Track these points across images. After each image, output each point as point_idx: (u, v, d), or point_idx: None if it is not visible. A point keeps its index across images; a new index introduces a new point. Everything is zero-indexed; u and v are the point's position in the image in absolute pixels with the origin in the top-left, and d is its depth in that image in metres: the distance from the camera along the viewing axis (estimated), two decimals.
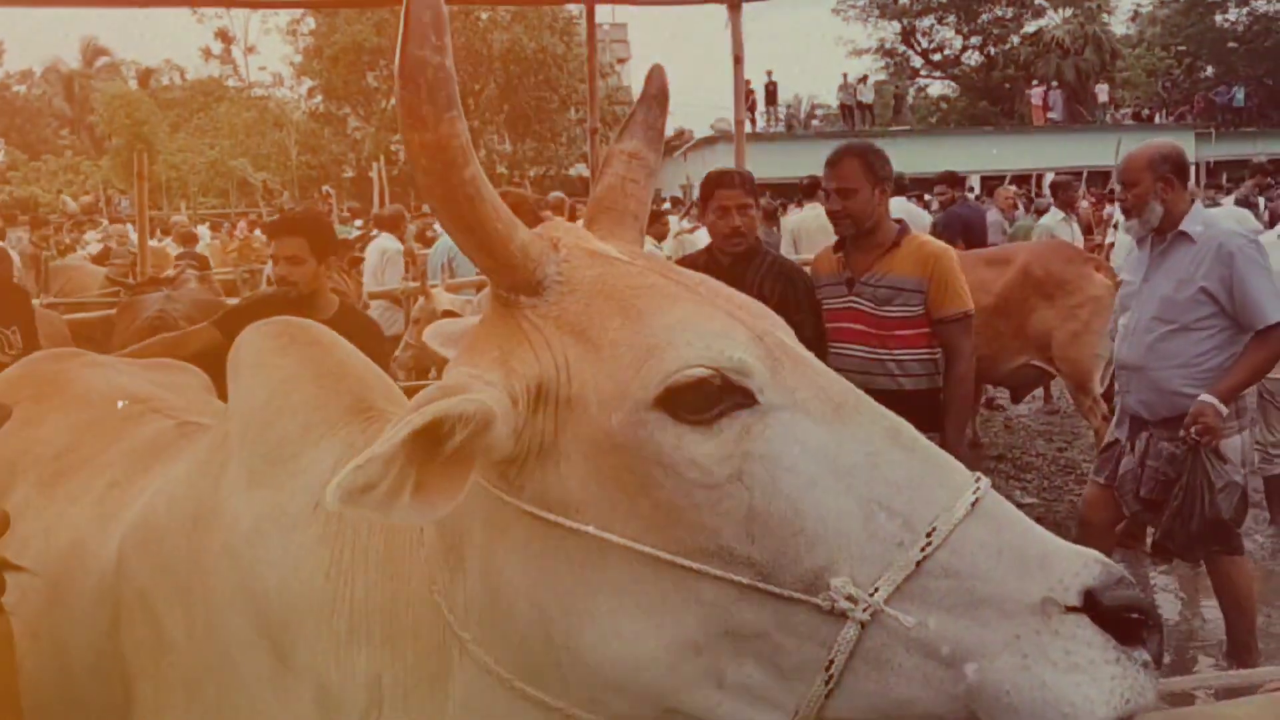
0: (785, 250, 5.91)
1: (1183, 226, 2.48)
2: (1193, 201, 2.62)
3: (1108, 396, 3.56)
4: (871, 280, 2.33)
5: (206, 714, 0.91)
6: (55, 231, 9.08)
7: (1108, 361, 3.40)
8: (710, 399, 0.68)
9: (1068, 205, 6.18)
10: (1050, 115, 22.50)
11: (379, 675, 0.83)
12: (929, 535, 0.65)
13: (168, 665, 0.94)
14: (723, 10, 3.86)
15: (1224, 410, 2.38)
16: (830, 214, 2.39)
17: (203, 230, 10.61)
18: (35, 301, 4.07)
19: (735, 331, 0.71)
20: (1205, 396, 2.38)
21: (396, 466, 0.64)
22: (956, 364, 2.34)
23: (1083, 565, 0.64)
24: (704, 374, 0.68)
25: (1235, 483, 2.40)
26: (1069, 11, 25.31)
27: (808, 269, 5.00)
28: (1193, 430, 2.37)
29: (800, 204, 6.61)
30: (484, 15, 21.43)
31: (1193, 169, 15.09)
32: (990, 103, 25.88)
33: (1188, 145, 17.20)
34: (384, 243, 5.55)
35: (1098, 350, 3.80)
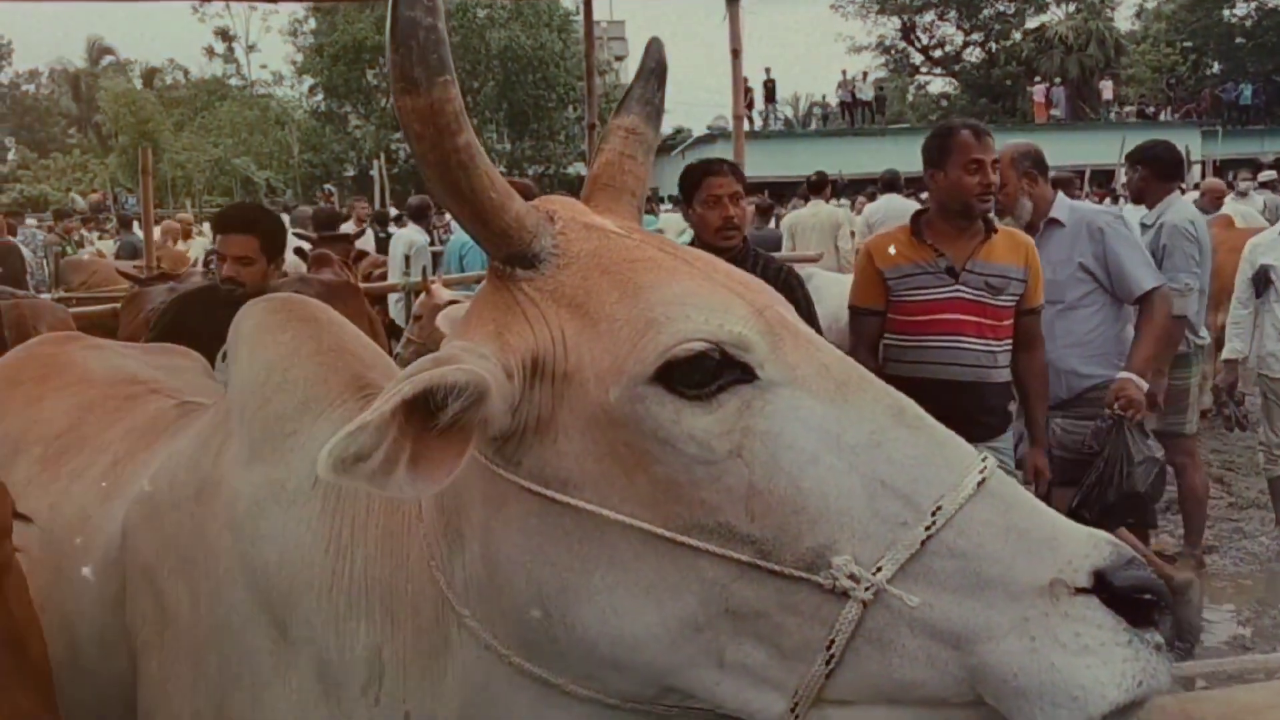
0: (784, 246, 5.92)
1: (1052, 214, 2.63)
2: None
3: None
4: (977, 268, 2.18)
5: (210, 686, 0.92)
6: (79, 226, 9.24)
7: None
8: (709, 373, 0.67)
9: None
10: (1053, 112, 22.39)
11: (378, 649, 0.84)
12: (934, 515, 0.64)
13: (172, 638, 0.95)
14: (721, 7, 3.85)
15: (1143, 385, 2.49)
16: (982, 187, 2.18)
17: (207, 228, 10.69)
18: (46, 295, 4.10)
19: (735, 305, 0.70)
20: (1123, 373, 2.50)
21: (389, 437, 0.63)
22: (1039, 351, 2.33)
23: (1092, 546, 0.63)
24: (703, 348, 0.67)
25: (1154, 458, 2.46)
26: (1072, 7, 25.20)
27: (809, 267, 4.98)
28: (1116, 406, 2.45)
29: (806, 199, 6.59)
30: (481, 13, 21.43)
31: (1198, 167, 14.98)
32: (991, 100, 25.75)
33: (1194, 143, 17.10)
34: (410, 234, 5.45)
35: None
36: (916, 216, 2.34)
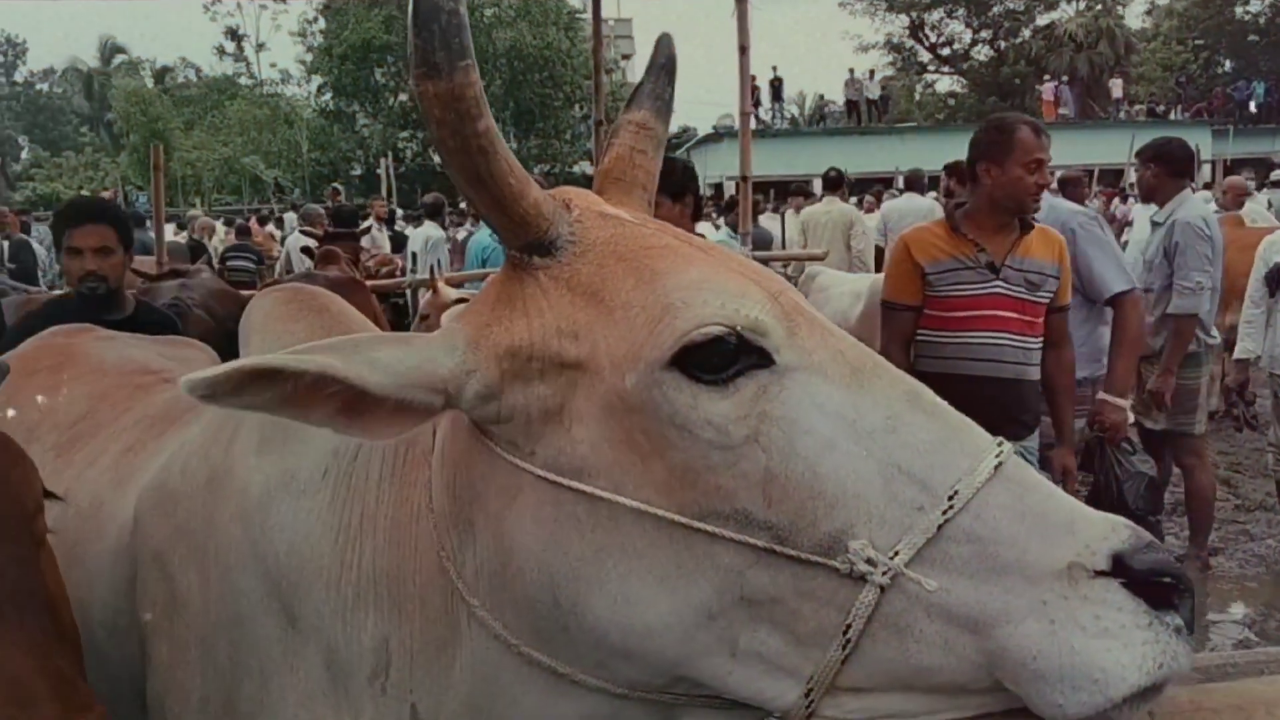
0: (794, 244, 5.91)
1: None
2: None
3: None
4: (1016, 264, 2.13)
5: (219, 673, 0.92)
6: None
7: None
8: (726, 358, 0.67)
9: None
10: (1062, 111, 22.24)
11: (386, 639, 0.84)
12: (950, 499, 0.63)
13: (182, 625, 0.96)
14: (728, 4, 3.84)
15: (1122, 404, 2.48)
16: (1039, 187, 2.14)
17: (219, 226, 10.82)
18: (58, 292, 4.15)
19: (750, 291, 0.70)
20: (1102, 395, 2.49)
21: (276, 386, 0.65)
22: (1068, 349, 2.29)
23: (1110, 529, 0.63)
24: (719, 332, 0.67)
25: (1141, 473, 2.46)
26: (1082, 4, 25.05)
27: (815, 265, 4.94)
28: (1094, 428, 2.45)
29: (807, 197, 6.61)
30: (488, 12, 21.47)
31: (1209, 167, 14.83)
32: (1000, 98, 25.59)
33: (1204, 142, 16.95)
34: (427, 231, 5.71)
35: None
36: (951, 211, 2.29)
